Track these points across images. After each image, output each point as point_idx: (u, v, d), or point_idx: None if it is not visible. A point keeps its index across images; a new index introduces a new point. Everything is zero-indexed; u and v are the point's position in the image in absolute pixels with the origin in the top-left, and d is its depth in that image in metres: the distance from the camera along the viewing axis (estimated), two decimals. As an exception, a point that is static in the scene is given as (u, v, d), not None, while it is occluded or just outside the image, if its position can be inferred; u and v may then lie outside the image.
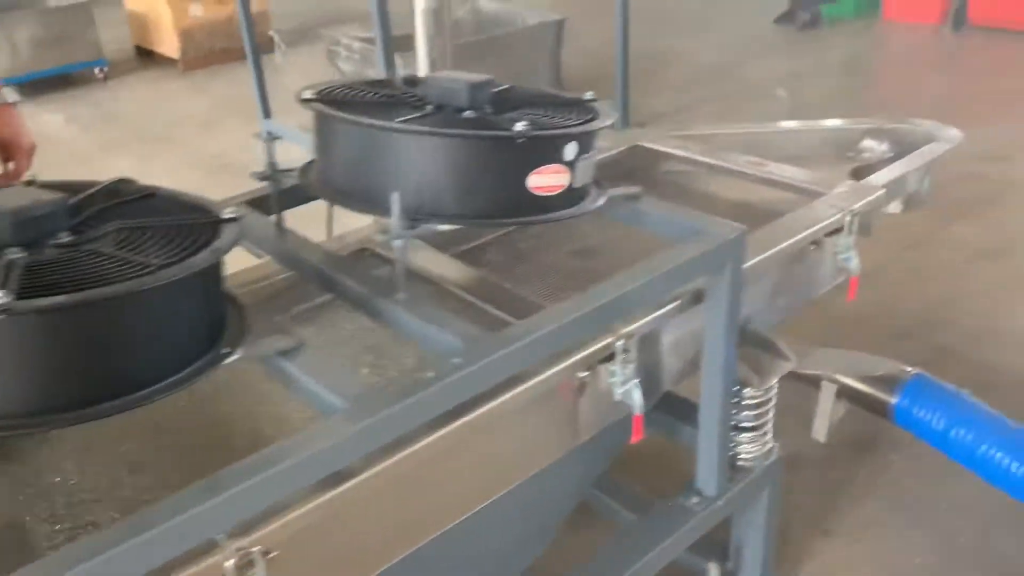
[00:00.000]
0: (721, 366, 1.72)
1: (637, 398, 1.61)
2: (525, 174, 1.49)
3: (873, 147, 2.49)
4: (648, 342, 1.76)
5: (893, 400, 2.30)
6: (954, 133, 2.40)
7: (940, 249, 3.93)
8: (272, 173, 1.67)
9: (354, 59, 5.39)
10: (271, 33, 8.05)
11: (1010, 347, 3.20)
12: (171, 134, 6.27)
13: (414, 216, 1.44)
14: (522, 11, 5.99)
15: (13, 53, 7.00)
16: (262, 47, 7.97)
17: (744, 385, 1.87)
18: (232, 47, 7.32)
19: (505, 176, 1.48)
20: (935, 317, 3.39)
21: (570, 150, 1.54)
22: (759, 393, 1.89)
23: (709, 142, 2.49)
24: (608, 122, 1.64)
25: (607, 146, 2.53)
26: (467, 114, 1.58)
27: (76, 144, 6.23)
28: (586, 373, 1.61)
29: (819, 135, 2.52)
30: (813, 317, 3.13)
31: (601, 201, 1.67)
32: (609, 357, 1.59)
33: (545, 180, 1.51)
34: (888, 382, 2.32)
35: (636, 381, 1.60)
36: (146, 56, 8.14)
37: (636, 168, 2.52)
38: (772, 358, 1.91)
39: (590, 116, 1.68)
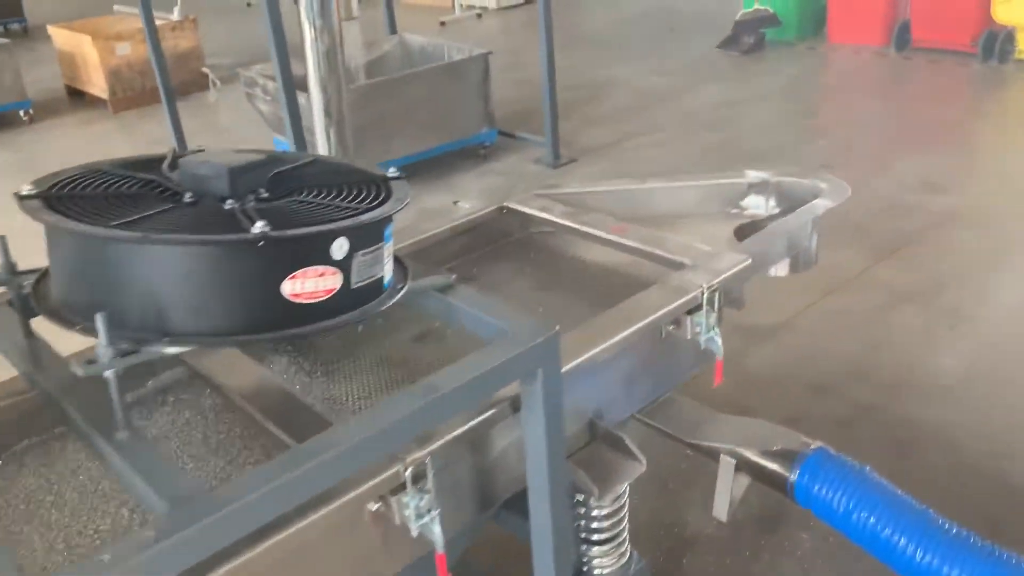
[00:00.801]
0: (546, 483, 1.48)
1: (437, 533, 1.37)
2: (278, 281, 1.26)
3: (759, 203, 2.28)
4: (475, 452, 1.53)
5: (792, 477, 2.09)
6: (842, 187, 2.19)
7: (863, 293, 3.72)
8: (8, 278, 1.42)
9: (267, 100, 5.15)
10: (204, 70, 7.82)
11: (929, 400, 2.99)
12: (90, 180, 5.99)
13: (136, 337, 1.20)
14: (449, 45, 5.79)
15: (-71, 99, 6.74)
16: (197, 84, 7.82)
17: (585, 495, 1.64)
18: (165, 86, 7.08)
19: (248, 285, 1.24)
20: (855, 369, 3.18)
21: (339, 247, 1.31)
22: (606, 503, 1.66)
23: (583, 202, 2.27)
24: (396, 208, 1.41)
25: (473, 208, 2.31)
26: (228, 204, 1.34)
27: (-13, 193, 5.96)
28: (378, 505, 1.37)
29: (702, 191, 2.30)
30: (726, 372, 2.90)
31: (395, 298, 1.44)
32: (401, 487, 1.35)
33: (305, 286, 1.28)
34: (787, 456, 2.11)
35: (435, 513, 1.36)
36: (77, 97, 7.88)
37: (502, 232, 2.30)
38: (621, 459, 1.68)
39: (386, 197, 1.45)
